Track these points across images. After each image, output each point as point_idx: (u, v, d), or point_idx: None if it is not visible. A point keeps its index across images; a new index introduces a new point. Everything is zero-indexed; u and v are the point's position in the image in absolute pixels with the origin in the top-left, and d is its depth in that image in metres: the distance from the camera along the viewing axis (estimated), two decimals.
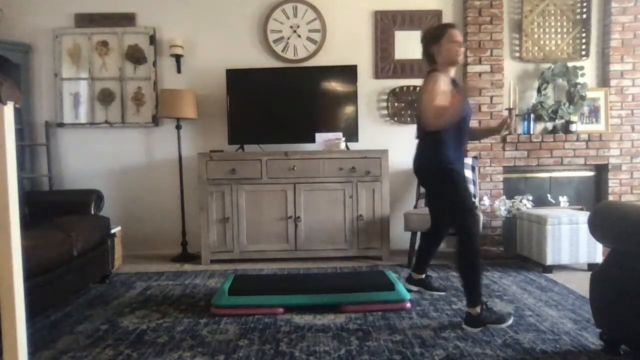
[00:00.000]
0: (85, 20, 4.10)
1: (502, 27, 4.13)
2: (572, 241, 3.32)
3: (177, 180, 4.09)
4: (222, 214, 3.71)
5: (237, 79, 3.93)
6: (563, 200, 3.93)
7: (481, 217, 3.39)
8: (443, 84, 2.29)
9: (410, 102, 4.18)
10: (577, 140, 4.11)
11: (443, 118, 2.21)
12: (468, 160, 3.88)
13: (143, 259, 3.96)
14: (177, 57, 4.09)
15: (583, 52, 4.21)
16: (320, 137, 3.86)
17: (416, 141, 2.52)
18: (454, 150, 2.37)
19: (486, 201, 3.96)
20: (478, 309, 2.27)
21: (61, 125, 4.11)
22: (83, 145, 4.16)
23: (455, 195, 2.34)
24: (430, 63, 2.46)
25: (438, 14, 4.15)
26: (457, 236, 2.34)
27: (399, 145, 4.20)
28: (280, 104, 3.98)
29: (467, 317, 2.31)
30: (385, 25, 4.15)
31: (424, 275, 2.89)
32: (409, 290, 2.73)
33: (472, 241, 2.27)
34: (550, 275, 3.25)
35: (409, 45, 4.16)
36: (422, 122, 2.34)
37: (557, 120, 4.14)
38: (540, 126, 4.24)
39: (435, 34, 2.44)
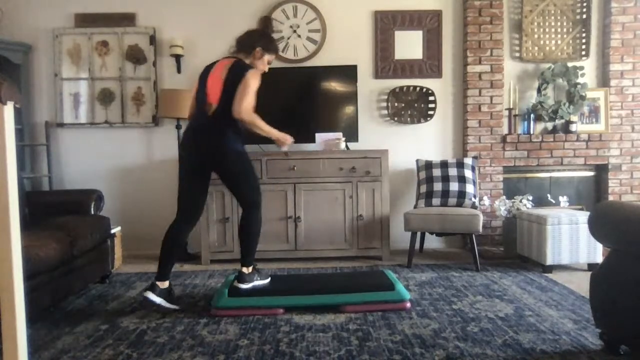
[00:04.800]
0: (85, 20, 4.10)
1: (502, 27, 4.14)
2: (572, 241, 3.32)
3: (177, 181, 4.08)
4: (222, 214, 3.71)
5: None
6: (563, 200, 3.93)
7: (481, 217, 3.39)
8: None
9: (409, 102, 4.19)
10: (577, 140, 4.11)
11: (249, 118, 2.44)
12: (468, 160, 3.88)
13: (143, 259, 3.96)
14: (177, 57, 4.10)
15: (583, 52, 4.21)
16: (320, 137, 3.86)
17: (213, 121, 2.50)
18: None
19: (486, 201, 3.96)
20: (250, 268, 2.62)
21: (61, 125, 4.11)
22: (83, 145, 4.16)
23: (246, 174, 2.57)
24: (245, 54, 2.57)
25: (438, 14, 4.15)
26: (246, 210, 2.61)
27: (399, 145, 4.20)
28: (280, 104, 3.98)
29: (240, 275, 2.60)
30: (385, 25, 4.15)
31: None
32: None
33: (259, 212, 2.63)
34: (550, 275, 3.25)
35: (409, 45, 4.16)
36: (234, 109, 2.41)
37: (557, 120, 4.14)
38: (540, 126, 4.24)
39: (270, 41, 2.64)
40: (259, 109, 2.56)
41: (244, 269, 2.60)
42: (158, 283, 2.52)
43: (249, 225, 2.61)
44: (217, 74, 2.48)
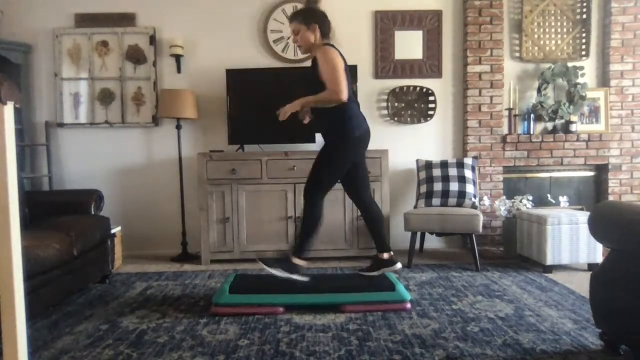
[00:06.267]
0: (85, 20, 4.10)
1: (502, 27, 4.13)
2: (572, 241, 3.32)
3: (177, 180, 4.09)
4: (222, 214, 3.71)
5: (237, 79, 3.92)
6: (563, 200, 3.93)
7: (481, 217, 3.39)
8: None
9: (409, 102, 4.19)
10: (577, 140, 4.11)
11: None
12: (468, 160, 3.88)
13: (143, 259, 3.96)
14: (177, 57, 4.09)
15: (583, 52, 4.21)
16: (320, 137, 3.85)
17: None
18: None
19: (486, 201, 3.96)
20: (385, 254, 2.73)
21: (61, 125, 4.11)
22: (83, 145, 4.16)
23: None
24: (313, 32, 2.70)
25: (438, 14, 4.15)
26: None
27: (399, 145, 4.20)
28: (280, 104, 3.96)
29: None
30: (385, 25, 4.15)
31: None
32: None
33: (315, 200, 2.80)
34: (550, 275, 3.25)
35: (409, 45, 4.16)
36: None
37: (557, 120, 4.14)
38: (540, 126, 4.24)
39: (325, 15, 2.76)
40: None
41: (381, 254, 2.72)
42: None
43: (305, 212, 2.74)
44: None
